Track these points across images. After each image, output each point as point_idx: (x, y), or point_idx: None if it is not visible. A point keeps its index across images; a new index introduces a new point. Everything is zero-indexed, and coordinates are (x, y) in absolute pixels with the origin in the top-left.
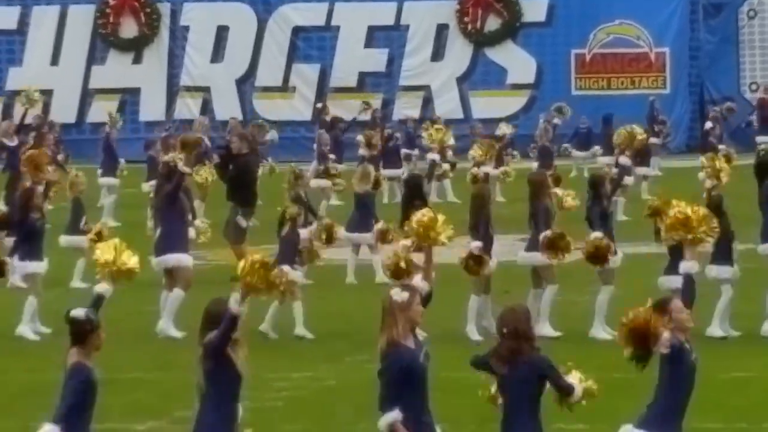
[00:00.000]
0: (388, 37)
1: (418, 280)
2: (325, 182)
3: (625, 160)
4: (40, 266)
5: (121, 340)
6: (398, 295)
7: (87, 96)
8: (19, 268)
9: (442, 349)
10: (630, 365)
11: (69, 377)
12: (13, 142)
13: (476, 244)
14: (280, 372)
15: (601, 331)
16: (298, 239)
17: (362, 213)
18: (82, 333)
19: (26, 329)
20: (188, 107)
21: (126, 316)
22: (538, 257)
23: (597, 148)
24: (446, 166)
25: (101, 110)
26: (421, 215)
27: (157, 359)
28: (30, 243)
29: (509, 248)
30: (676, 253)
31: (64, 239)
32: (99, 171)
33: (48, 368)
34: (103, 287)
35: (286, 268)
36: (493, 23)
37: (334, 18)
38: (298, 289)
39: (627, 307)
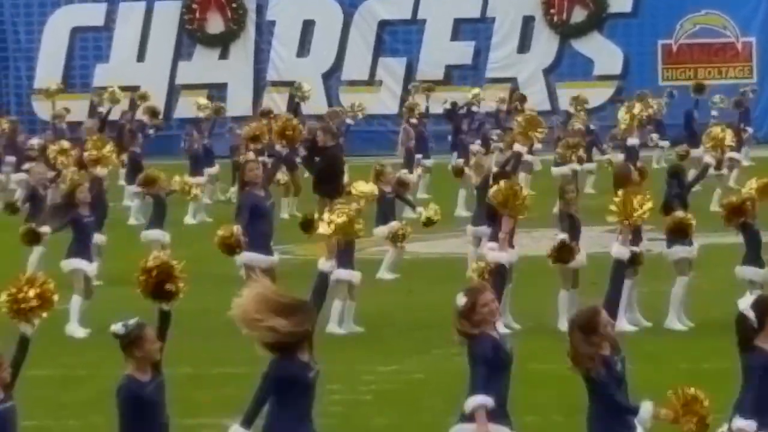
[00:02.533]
0: (475, 29)
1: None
2: (408, 175)
3: (709, 159)
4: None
5: (210, 335)
6: (460, 299)
7: (173, 92)
8: (66, 265)
9: (529, 341)
10: (720, 355)
11: (116, 393)
12: None
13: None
14: (368, 365)
15: (677, 323)
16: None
17: (485, 205)
18: (123, 347)
19: (74, 327)
20: (275, 102)
21: (214, 310)
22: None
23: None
24: (530, 158)
25: (188, 106)
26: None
27: (246, 354)
28: (78, 240)
29: (596, 240)
30: (753, 244)
31: (144, 234)
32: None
33: None
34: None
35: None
36: (579, 14)
37: (420, 11)
38: (354, 289)
39: (710, 297)
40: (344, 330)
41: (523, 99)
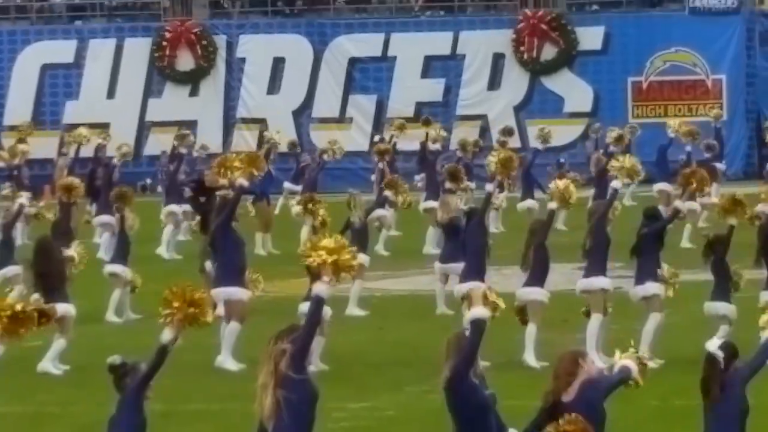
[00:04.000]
0: (445, 66)
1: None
2: (383, 211)
3: (680, 205)
4: (68, 308)
5: (182, 371)
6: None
7: (144, 129)
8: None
9: (501, 377)
10: (690, 392)
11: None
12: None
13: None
14: (339, 402)
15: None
16: None
17: (452, 242)
18: (119, 377)
19: (48, 365)
20: (245, 139)
21: (186, 347)
22: (593, 284)
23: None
24: (501, 197)
25: (158, 143)
26: None
27: (218, 391)
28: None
29: (568, 277)
30: (721, 280)
31: (106, 268)
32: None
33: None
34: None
35: None
36: (549, 52)
37: (390, 48)
38: (326, 324)
39: (681, 333)
40: (313, 367)
41: (506, 133)
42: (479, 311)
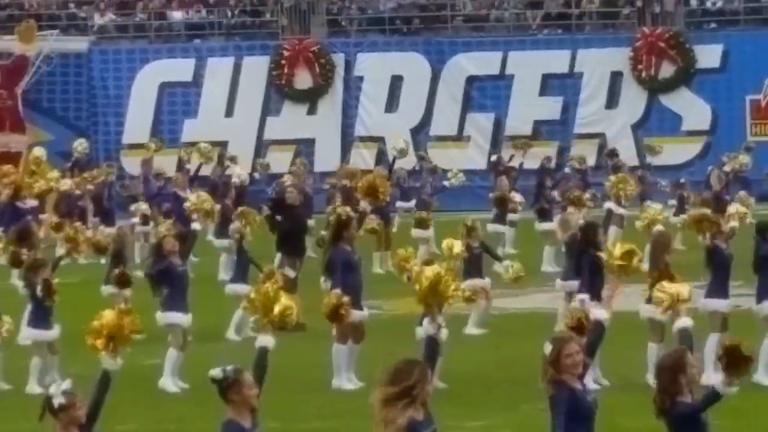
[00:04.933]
0: (563, 85)
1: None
2: (500, 227)
3: None
4: (177, 317)
5: (299, 389)
6: (546, 347)
7: (261, 147)
8: (162, 318)
9: (619, 397)
10: None
11: None
12: (185, 194)
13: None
14: (456, 420)
15: (766, 378)
16: None
17: (571, 260)
18: (221, 391)
19: (168, 382)
20: (363, 158)
21: (302, 365)
22: (709, 305)
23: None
24: (622, 212)
25: (276, 161)
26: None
27: (332, 408)
28: (172, 292)
29: None
30: None
31: (228, 287)
32: None
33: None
34: (265, 340)
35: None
36: (667, 70)
37: (507, 67)
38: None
39: None
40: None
41: (613, 154)
42: (599, 313)
